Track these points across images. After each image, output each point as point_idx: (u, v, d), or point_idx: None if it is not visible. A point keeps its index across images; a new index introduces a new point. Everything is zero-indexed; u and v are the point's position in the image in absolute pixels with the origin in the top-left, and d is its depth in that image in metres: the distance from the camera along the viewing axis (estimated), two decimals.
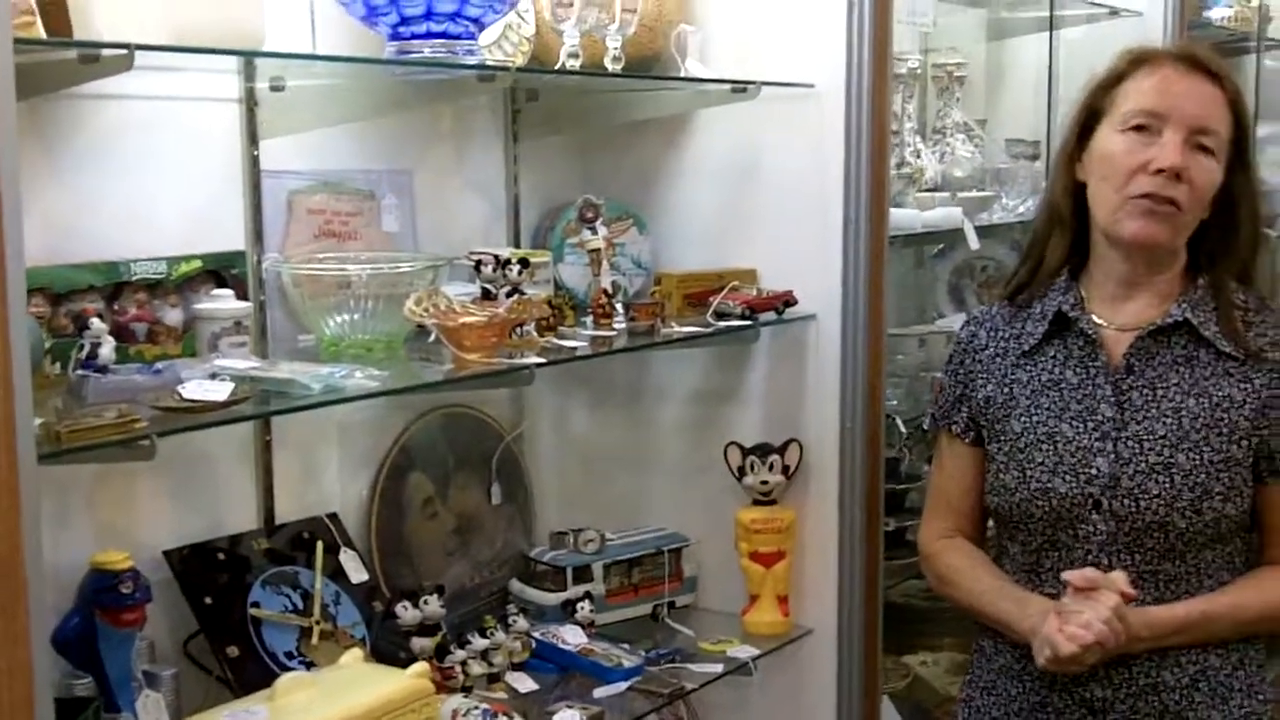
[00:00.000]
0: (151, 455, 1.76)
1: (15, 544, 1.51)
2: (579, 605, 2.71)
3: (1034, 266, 2.27)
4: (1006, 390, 2.24)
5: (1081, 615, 2.05)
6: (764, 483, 2.81)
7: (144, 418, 1.80)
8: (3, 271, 1.49)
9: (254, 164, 2.38)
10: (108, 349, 1.95)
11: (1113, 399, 2.15)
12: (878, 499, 2.81)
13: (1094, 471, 2.13)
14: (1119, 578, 2.07)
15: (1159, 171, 2.08)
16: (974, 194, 3.37)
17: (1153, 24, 3.82)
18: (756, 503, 2.83)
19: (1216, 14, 4.59)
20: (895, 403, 3.22)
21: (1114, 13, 3.84)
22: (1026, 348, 2.24)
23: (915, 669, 3.49)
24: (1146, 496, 2.10)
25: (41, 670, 1.55)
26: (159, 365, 2.04)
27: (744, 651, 2.75)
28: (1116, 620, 2.04)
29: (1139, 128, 2.12)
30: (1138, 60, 2.17)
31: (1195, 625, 2.13)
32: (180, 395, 1.88)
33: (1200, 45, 2.21)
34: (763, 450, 2.81)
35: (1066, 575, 2.10)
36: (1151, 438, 2.12)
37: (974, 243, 3.21)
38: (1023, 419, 2.21)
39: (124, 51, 1.72)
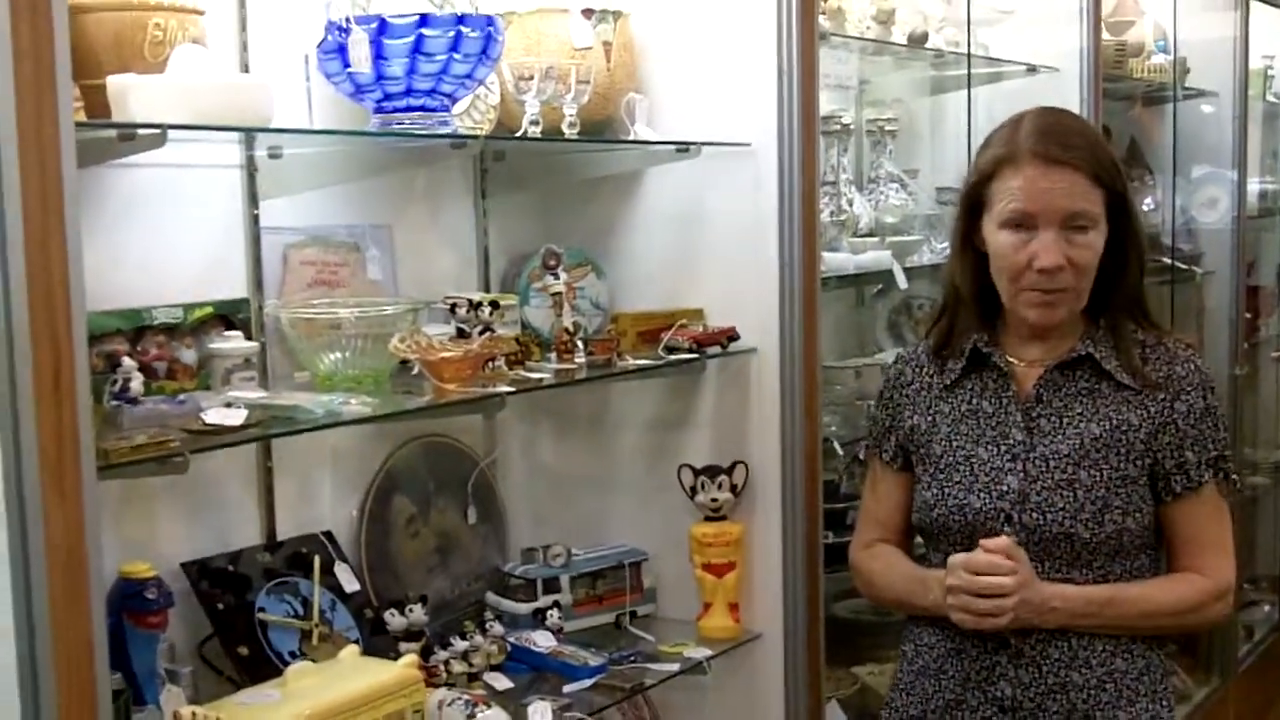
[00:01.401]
0: (185, 469, 2.01)
1: (81, 542, 1.77)
2: (548, 613, 2.89)
3: (947, 332, 2.45)
4: (930, 419, 2.43)
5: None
6: (714, 500, 3.00)
7: (175, 439, 2.04)
8: (68, 321, 1.76)
9: (254, 222, 2.60)
10: (137, 383, 2.18)
11: (1023, 425, 2.34)
12: (816, 513, 3.00)
13: (1005, 488, 2.31)
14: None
15: (1042, 270, 2.25)
16: (903, 238, 3.59)
17: (1069, 79, 4.03)
18: (708, 519, 3.01)
19: (1157, 60, 4.85)
20: (834, 429, 3.40)
21: (1032, 70, 4.03)
22: (948, 382, 2.43)
23: (863, 678, 3.63)
24: (1053, 510, 2.27)
25: (100, 638, 1.81)
26: (181, 397, 2.26)
27: (699, 653, 2.91)
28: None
29: (1017, 225, 2.27)
30: (1000, 161, 2.29)
31: (1105, 604, 2.27)
32: (203, 421, 2.13)
33: (1055, 129, 2.31)
34: (712, 471, 3.00)
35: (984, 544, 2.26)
36: (1057, 457, 2.30)
37: (902, 282, 3.45)
38: (943, 444, 2.40)
39: (158, 131, 1.97)
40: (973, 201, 2.37)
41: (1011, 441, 2.34)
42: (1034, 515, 2.29)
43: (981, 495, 2.33)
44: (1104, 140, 2.40)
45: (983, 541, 2.27)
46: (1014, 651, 2.32)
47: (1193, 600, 2.35)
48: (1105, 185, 2.29)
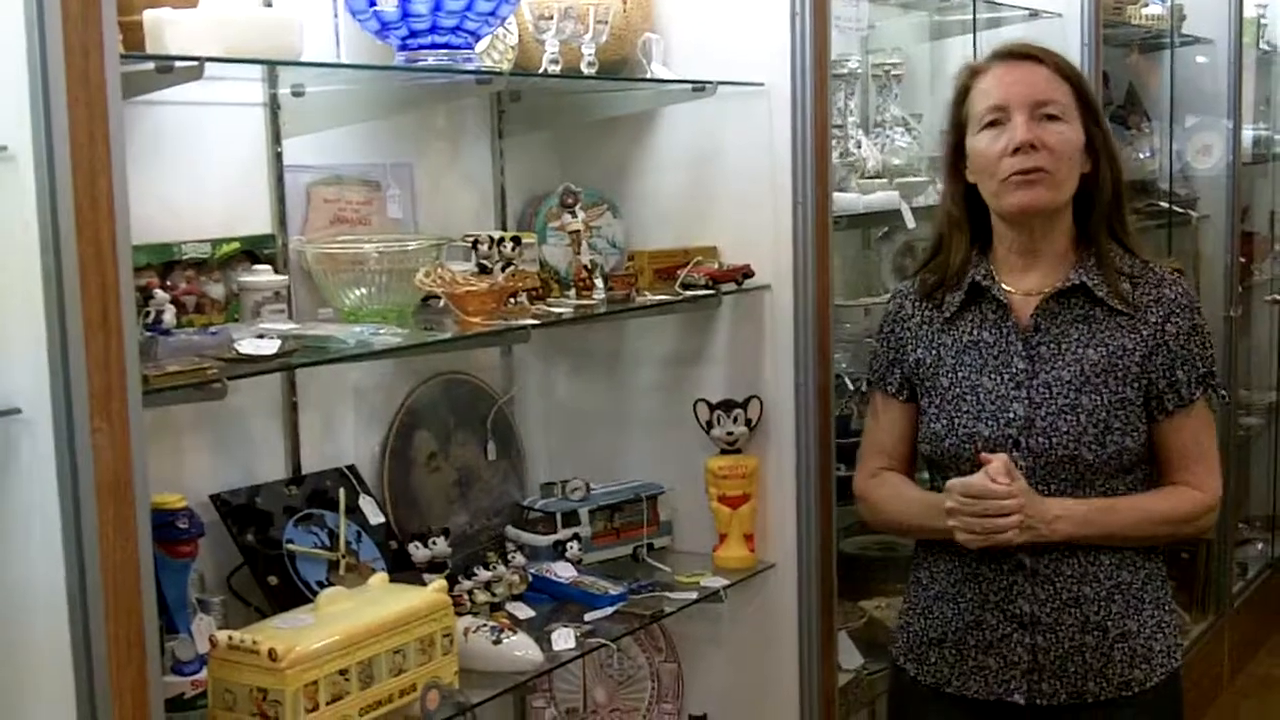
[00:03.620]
0: (223, 395, 2.05)
1: (128, 464, 1.84)
2: (568, 545, 2.94)
3: (942, 269, 2.54)
4: (934, 353, 2.52)
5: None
6: (729, 434, 3.05)
7: (212, 366, 2.07)
8: (114, 253, 1.80)
9: (278, 159, 2.63)
10: (170, 315, 2.20)
11: (1024, 353, 2.43)
12: (829, 446, 3.05)
13: (1011, 415, 2.41)
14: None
15: (1016, 150, 2.36)
16: (910, 179, 3.62)
17: (1071, 24, 4.07)
18: (723, 452, 3.06)
19: (1153, 9, 4.87)
20: (844, 365, 3.46)
21: (1034, 14, 4.07)
22: (948, 315, 2.51)
23: (871, 611, 3.71)
24: (1057, 434, 2.38)
25: (146, 562, 1.87)
26: (213, 329, 2.30)
27: (715, 582, 2.98)
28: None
29: (992, 123, 2.41)
30: (974, 72, 2.49)
31: (1105, 511, 2.39)
32: (236, 350, 2.16)
33: (1020, 41, 2.53)
34: (727, 405, 3.05)
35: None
36: (1059, 383, 2.40)
37: (910, 221, 3.48)
38: (949, 375, 2.48)
39: (195, 64, 2.01)
40: (956, 125, 2.49)
41: (1014, 370, 2.43)
42: (1040, 440, 2.39)
43: (989, 423, 2.42)
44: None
45: (982, 455, 2.36)
46: (1029, 571, 2.41)
47: (1185, 511, 2.46)
48: (1070, 81, 2.43)
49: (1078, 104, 2.42)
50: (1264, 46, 5.84)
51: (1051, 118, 2.39)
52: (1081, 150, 2.43)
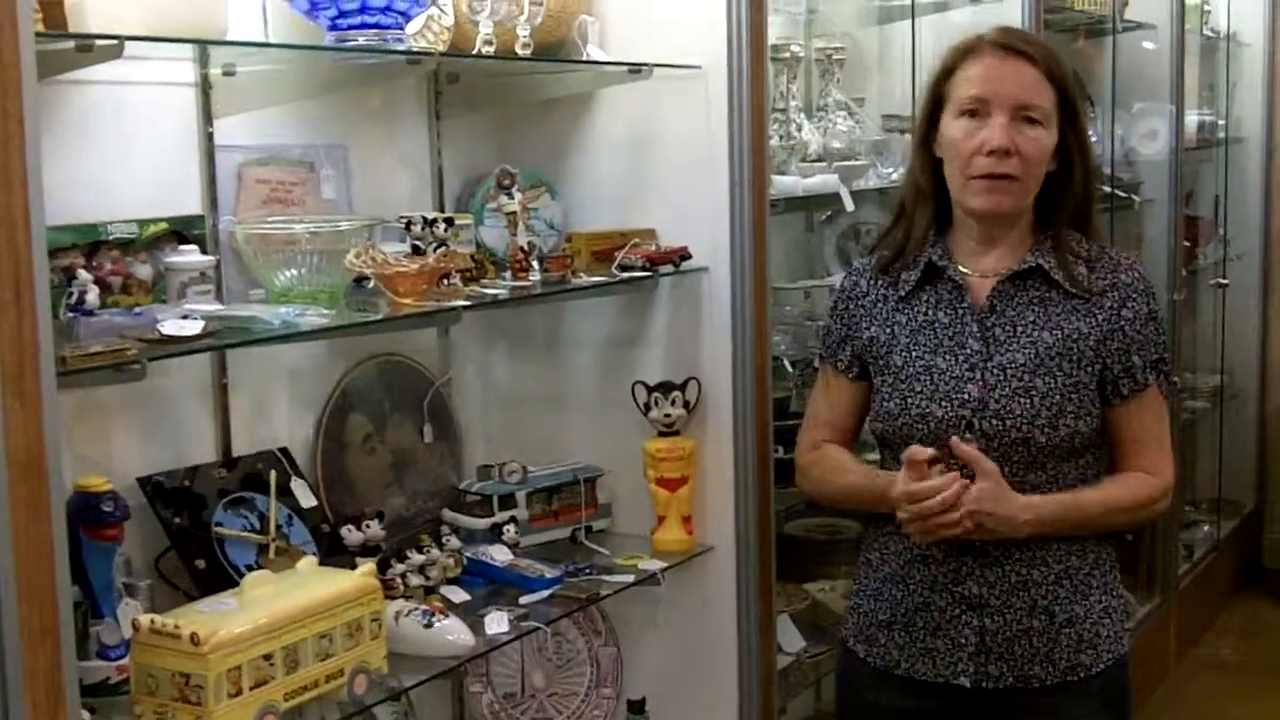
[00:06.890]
0: (142, 376, 2.03)
1: (41, 445, 1.79)
2: (505, 528, 2.91)
3: (903, 240, 2.52)
4: (888, 331, 2.50)
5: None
6: (667, 416, 3.04)
7: (132, 348, 2.05)
8: (28, 233, 1.78)
9: (209, 139, 2.60)
10: (93, 295, 2.19)
11: (979, 335, 2.42)
12: (767, 428, 3.06)
13: (965, 397, 2.40)
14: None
15: (991, 152, 2.34)
16: (850, 163, 3.62)
17: (1012, 9, 3.99)
18: (661, 434, 3.06)
19: None
20: (784, 348, 3.46)
21: None
22: (903, 294, 2.49)
23: (814, 594, 3.71)
24: (1011, 416, 2.37)
25: (60, 545, 1.83)
26: (137, 310, 2.28)
27: (653, 565, 2.98)
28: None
29: (972, 112, 2.37)
30: (963, 52, 2.42)
31: (1070, 508, 2.40)
32: (160, 332, 2.14)
33: (1016, 30, 2.47)
34: (665, 388, 3.05)
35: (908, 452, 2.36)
36: (1013, 366, 2.39)
37: (849, 205, 3.49)
38: (903, 354, 2.47)
39: (115, 42, 1.99)
40: (934, 99, 2.46)
41: (969, 351, 2.42)
42: (993, 422, 2.38)
43: (943, 404, 2.41)
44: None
45: (953, 441, 2.36)
46: (979, 553, 2.42)
47: (1144, 498, 2.47)
48: (1057, 85, 2.40)
49: (1059, 108, 2.40)
50: (1207, 33, 5.87)
51: (1030, 120, 2.37)
52: (1052, 153, 2.42)
